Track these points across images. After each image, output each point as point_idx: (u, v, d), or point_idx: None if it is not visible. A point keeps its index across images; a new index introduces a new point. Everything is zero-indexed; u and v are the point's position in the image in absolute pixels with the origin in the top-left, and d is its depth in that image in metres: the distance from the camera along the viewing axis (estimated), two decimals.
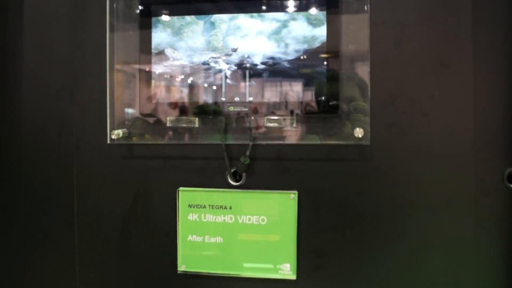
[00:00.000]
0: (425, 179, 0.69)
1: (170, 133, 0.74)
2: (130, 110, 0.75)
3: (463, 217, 0.68)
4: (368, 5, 0.68)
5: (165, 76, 0.74)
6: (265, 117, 0.71)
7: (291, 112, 0.70)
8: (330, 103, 0.69)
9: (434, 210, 0.69)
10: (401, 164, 0.70)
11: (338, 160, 0.71)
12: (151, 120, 0.75)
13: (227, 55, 0.72)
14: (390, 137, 0.70)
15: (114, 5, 0.74)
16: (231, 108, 0.71)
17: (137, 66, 0.74)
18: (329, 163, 0.71)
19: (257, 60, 0.71)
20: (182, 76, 0.73)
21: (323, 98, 0.69)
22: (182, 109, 0.73)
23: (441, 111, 0.68)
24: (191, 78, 0.73)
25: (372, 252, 0.71)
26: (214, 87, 0.73)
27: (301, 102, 0.70)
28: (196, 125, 0.73)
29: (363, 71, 0.69)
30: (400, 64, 0.69)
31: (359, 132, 0.67)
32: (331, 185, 0.71)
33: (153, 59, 0.73)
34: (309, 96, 0.70)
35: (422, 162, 0.69)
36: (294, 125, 0.70)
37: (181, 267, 0.74)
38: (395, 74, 0.69)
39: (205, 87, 0.73)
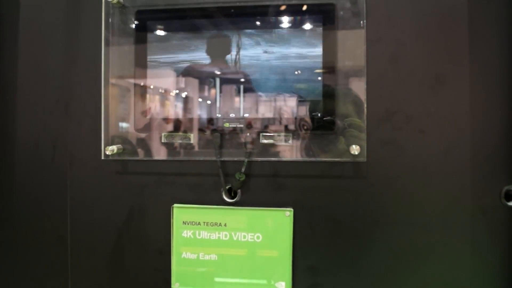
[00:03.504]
0: (422, 197, 0.68)
1: (165, 148, 0.73)
2: (124, 125, 0.75)
3: (460, 235, 0.68)
4: (364, 21, 0.68)
5: (161, 90, 0.73)
6: (261, 134, 0.70)
7: (285, 128, 0.70)
8: (326, 119, 0.69)
9: (431, 227, 0.68)
10: (397, 181, 0.69)
11: (334, 177, 0.70)
12: (145, 135, 0.74)
13: (223, 70, 0.71)
14: (386, 154, 0.69)
15: (110, 19, 0.73)
16: (227, 124, 0.71)
17: (132, 81, 0.74)
18: (325, 180, 0.70)
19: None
20: (177, 91, 0.73)
21: (318, 114, 0.69)
22: (177, 125, 0.73)
23: (437, 128, 0.68)
24: (186, 93, 0.73)
25: (368, 270, 0.70)
26: (209, 102, 0.73)
27: (295, 118, 0.70)
28: (191, 141, 0.72)
29: (359, 87, 0.68)
30: (396, 80, 0.69)
31: (355, 149, 0.67)
32: (327, 203, 0.70)
33: (148, 74, 0.73)
34: (304, 112, 0.70)
35: (418, 179, 0.68)
36: (290, 141, 0.70)
37: (175, 285, 0.73)
38: (391, 90, 0.69)
39: (201, 102, 0.73)
